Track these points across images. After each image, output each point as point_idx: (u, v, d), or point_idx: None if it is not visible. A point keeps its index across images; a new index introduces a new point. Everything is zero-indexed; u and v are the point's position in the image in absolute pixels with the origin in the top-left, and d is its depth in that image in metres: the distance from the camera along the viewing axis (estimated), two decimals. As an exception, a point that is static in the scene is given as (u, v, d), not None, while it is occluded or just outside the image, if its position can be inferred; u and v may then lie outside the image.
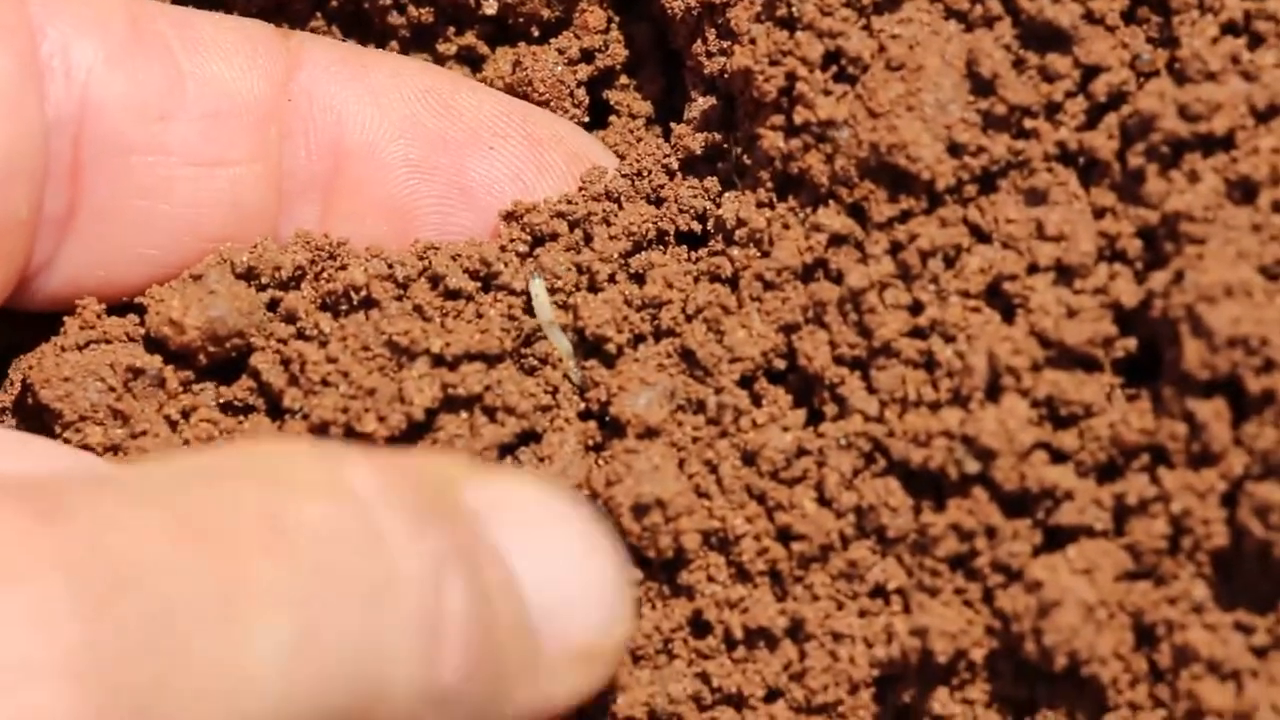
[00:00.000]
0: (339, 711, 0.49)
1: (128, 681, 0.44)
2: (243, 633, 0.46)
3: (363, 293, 0.66)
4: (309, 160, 0.68)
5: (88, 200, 0.66)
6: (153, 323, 0.67)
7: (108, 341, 0.67)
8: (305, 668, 0.47)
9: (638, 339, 0.66)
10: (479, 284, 0.67)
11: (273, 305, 0.67)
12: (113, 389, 0.66)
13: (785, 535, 0.62)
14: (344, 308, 0.66)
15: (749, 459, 0.63)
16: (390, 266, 0.66)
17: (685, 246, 0.68)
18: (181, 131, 0.66)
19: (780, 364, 0.64)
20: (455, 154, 0.69)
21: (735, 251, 0.65)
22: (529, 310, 0.67)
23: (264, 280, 0.67)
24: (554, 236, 0.68)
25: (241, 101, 0.67)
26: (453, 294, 0.66)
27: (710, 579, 0.63)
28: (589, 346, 0.66)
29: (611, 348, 0.66)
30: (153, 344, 0.67)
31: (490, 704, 0.55)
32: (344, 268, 0.67)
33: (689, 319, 0.65)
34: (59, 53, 0.64)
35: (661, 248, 0.68)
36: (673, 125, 0.71)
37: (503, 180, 0.69)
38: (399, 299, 0.66)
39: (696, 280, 0.66)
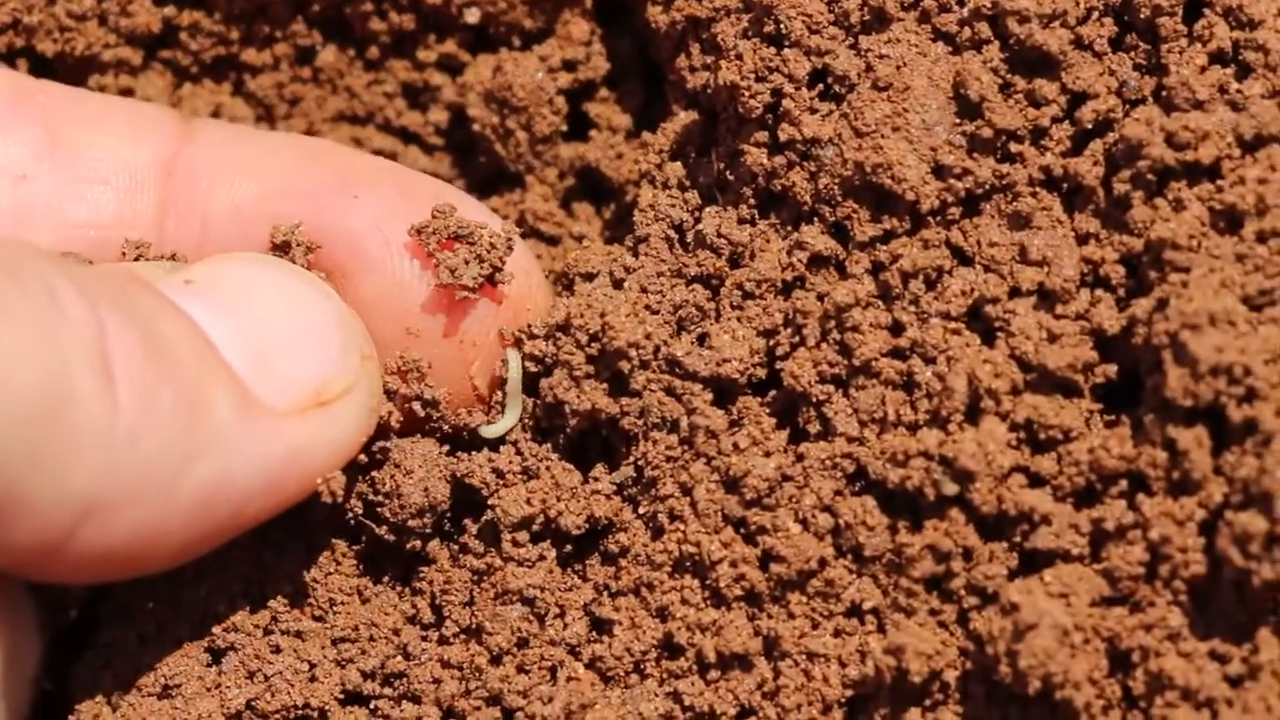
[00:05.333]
0: (37, 405, 0.54)
1: None
2: None
3: None
4: (176, 229, 0.67)
5: None
6: None
7: None
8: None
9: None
10: None
11: None
12: None
13: (766, 558, 0.62)
14: None
15: (730, 485, 0.63)
16: None
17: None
18: (44, 192, 0.66)
19: (761, 373, 0.64)
20: (317, 203, 0.67)
21: (714, 260, 0.65)
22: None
23: None
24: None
25: (112, 167, 0.67)
26: None
27: (684, 602, 0.63)
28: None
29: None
30: None
31: (197, 447, 0.58)
32: None
33: (677, 325, 0.65)
34: None
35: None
36: (645, 135, 0.71)
37: (364, 229, 0.66)
38: None
39: (673, 284, 0.66)
